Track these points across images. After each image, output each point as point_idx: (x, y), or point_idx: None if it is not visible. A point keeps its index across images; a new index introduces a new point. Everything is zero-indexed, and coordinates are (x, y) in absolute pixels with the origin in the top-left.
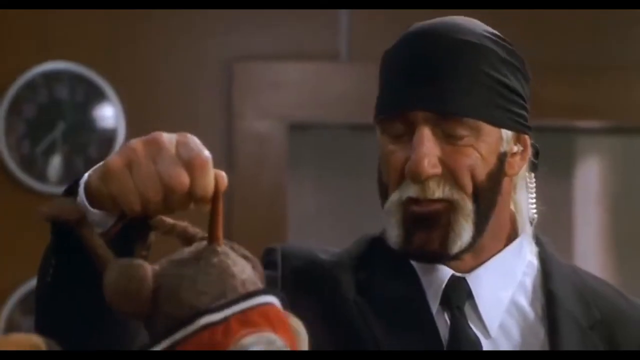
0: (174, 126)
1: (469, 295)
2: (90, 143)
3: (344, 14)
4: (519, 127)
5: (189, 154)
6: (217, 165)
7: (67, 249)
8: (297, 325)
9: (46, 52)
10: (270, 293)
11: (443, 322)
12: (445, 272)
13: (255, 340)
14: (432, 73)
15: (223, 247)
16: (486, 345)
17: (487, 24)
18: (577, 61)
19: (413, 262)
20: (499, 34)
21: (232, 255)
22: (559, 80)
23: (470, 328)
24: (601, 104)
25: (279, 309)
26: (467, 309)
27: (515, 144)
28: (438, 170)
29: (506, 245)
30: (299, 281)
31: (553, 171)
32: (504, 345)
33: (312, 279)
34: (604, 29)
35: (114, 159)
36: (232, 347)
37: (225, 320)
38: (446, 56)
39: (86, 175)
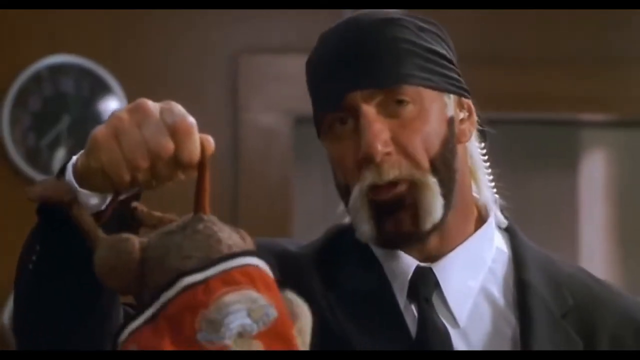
0: None
1: (437, 285)
2: None
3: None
4: (457, 90)
5: (173, 119)
6: (222, 158)
7: (54, 234)
8: (298, 300)
9: (52, 46)
10: (255, 255)
11: (411, 314)
12: (410, 263)
13: (237, 298)
14: (359, 54)
15: (210, 216)
16: (455, 335)
17: (491, 18)
18: (581, 54)
19: (378, 254)
20: (409, 12)
21: (219, 223)
22: (564, 74)
23: (439, 319)
24: (606, 97)
25: (265, 272)
26: (435, 299)
27: (461, 110)
28: (390, 148)
29: (474, 230)
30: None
31: (558, 164)
32: (474, 335)
33: (282, 273)
34: (608, 22)
35: (100, 129)
36: (213, 306)
37: (207, 280)
38: (365, 36)
39: (74, 158)
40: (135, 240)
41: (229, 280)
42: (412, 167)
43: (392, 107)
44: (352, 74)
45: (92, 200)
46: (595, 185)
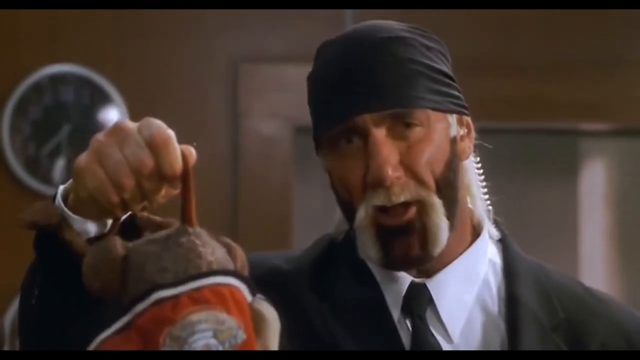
0: (179, 128)
1: (430, 301)
2: None
3: (349, 16)
4: (460, 109)
5: (150, 132)
6: (223, 166)
7: (52, 264)
8: (266, 310)
9: (52, 55)
10: (233, 275)
11: (405, 330)
12: (404, 279)
13: (204, 318)
14: (368, 75)
15: (196, 228)
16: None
17: (490, 24)
18: (581, 62)
19: (372, 268)
20: (411, 25)
21: (205, 237)
22: (564, 82)
23: (433, 336)
24: (606, 106)
25: (239, 292)
26: (429, 315)
27: (461, 128)
28: (399, 172)
29: (469, 245)
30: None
31: (558, 173)
32: (467, 349)
33: (272, 289)
34: (608, 30)
35: (83, 156)
36: (179, 323)
37: (177, 296)
38: (374, 55)
39: (61, 187)
40: (118, 240)
41: (198, 298)
42: (419, 187)
43: (400, 130)
44: (361, 95)
45: (91, 227)
46: (596, 194)
